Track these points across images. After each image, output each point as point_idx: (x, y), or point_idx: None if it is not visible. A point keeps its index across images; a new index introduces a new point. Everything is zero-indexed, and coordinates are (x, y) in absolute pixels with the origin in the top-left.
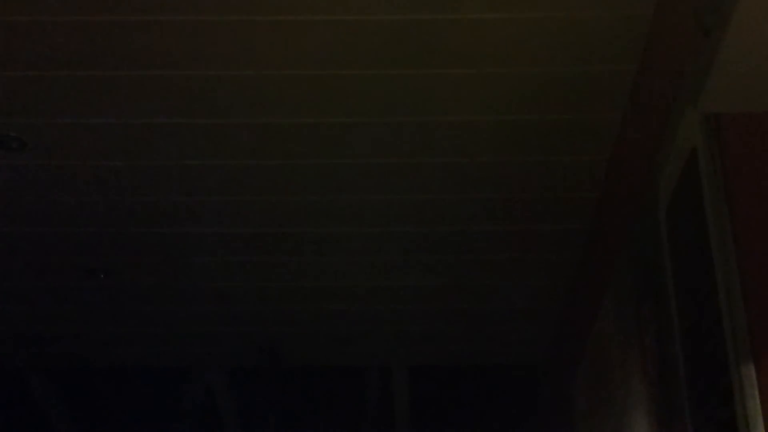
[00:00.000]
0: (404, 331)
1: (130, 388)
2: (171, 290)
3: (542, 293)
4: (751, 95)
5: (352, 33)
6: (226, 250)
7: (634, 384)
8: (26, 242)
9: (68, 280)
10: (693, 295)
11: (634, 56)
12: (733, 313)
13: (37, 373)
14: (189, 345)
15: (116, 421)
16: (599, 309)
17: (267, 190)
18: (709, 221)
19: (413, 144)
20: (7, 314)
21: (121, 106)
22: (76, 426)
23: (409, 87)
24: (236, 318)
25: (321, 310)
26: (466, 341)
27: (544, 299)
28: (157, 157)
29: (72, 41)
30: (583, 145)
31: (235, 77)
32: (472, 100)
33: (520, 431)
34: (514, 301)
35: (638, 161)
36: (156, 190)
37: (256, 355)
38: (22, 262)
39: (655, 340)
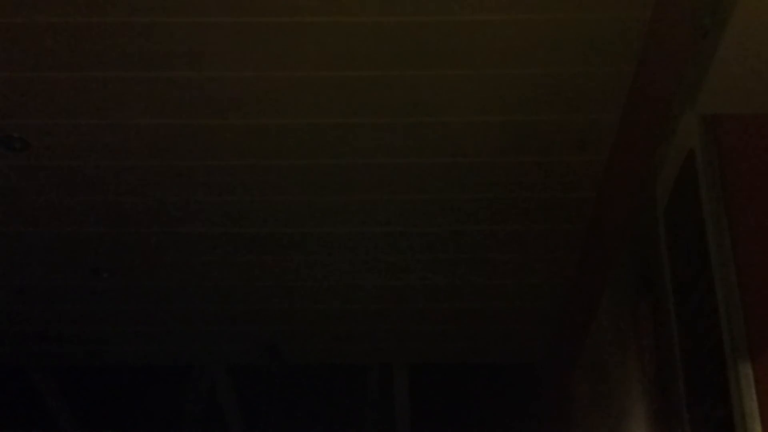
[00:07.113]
0: (405, 329)
1: (133, 386)
2: (173, 289)
3: (541, 293)
4: (748, 96)
5: (352, 34)
6: (226, 250)
7: (633, 382)
8: (30, 242)
9: (71, 280)
10: (690, 295)
11: (632, 57)
12: (730, 312)
13: (40, 371)
14: (191, 343)
15: (119, 419)
16: (598, 308)
17: (267, 190)
18: (706, 221)
19: (413, 144)
20: (11, 313)
21: (122, 107)
22: (79, 424)
23: (409, 87)
24: (238, 317)
25: (322, 309)
26: (466, 340)
27: (543, 299)
28: (157, 157)
29: (74, 42)
30: (581, 145)
31: (235, 77)
32: (472, 101)
33: (519, 429)
34: (514, 300)
35: (636, 162)
36: (156, 190)
37: (258, 353)
38: (25, 261)
39: (653, 338)
